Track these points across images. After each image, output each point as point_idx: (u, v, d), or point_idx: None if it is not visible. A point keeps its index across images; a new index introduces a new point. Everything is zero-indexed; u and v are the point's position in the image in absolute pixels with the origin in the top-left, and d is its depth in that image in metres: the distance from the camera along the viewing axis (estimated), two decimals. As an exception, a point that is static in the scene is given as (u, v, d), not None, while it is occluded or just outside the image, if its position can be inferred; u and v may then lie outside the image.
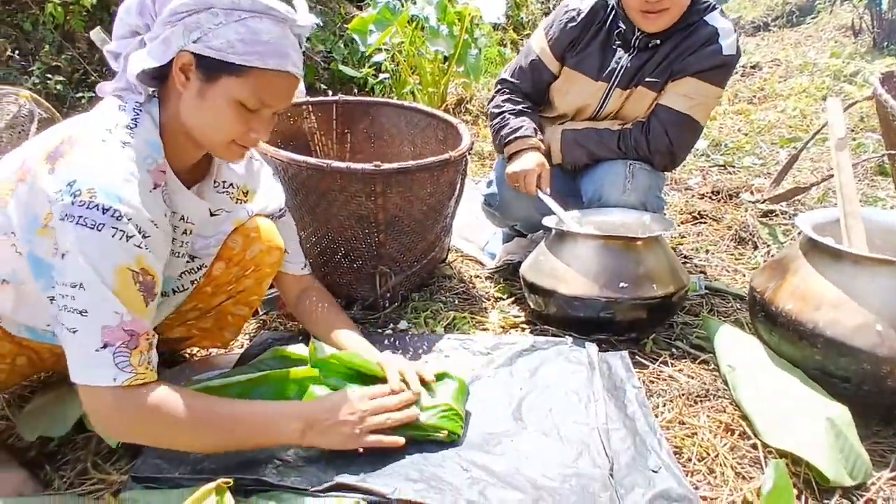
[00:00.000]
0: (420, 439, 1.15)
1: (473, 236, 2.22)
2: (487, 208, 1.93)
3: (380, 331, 1.59)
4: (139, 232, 0.91)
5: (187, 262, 1.16)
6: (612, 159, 1.74)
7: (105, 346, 0.88)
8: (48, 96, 2.81)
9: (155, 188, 0.97)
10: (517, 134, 1.74)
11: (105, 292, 0.88)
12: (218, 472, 1.07)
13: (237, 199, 1.21)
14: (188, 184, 1.08)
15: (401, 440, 1.10)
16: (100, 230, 0.86)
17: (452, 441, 1.16)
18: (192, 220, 1.10)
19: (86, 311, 0.88)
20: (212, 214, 1.16)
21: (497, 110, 1.83)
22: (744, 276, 1.95)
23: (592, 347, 1.44)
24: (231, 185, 1.19)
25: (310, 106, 1.98)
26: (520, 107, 1.81)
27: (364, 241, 1.60)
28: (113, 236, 0.87)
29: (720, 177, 2.80)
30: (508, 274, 1.94)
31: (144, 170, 0.95)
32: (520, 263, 1.95)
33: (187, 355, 1.54)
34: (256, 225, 1.24)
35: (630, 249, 1.49)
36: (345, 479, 1.05)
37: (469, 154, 1.71)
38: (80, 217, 0.86)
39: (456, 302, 1.75)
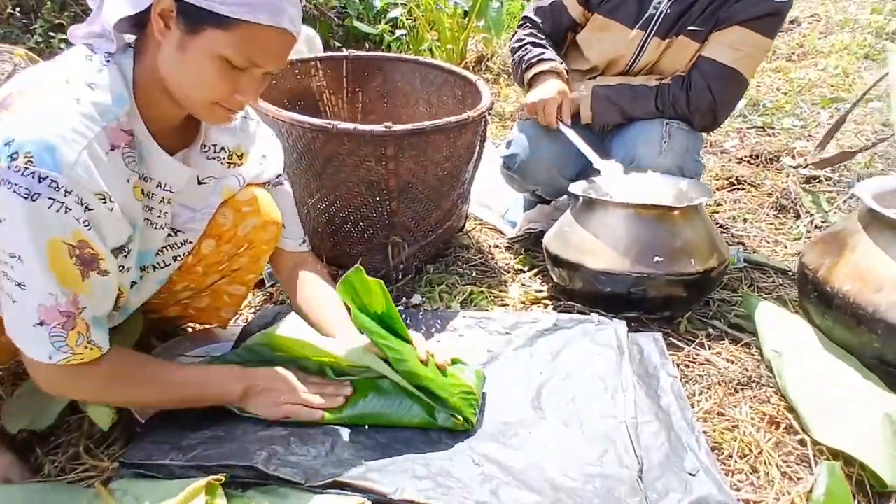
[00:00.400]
0: (431, 427, 1.05)
1: (493, 203, 2.07)
2: (506, 171, 1.78)
3: (391, 305, 1.47)
4: (80, 204, 0.81)
5: (169, 235, 1.04)
6: (647, 118, 1.57)
7: (41, 324, 0.84)
8: (51, 56, 2.68)
9: (113, 150, 0.85)
10: (540, 57, 1.61)
11: (40, 269, 0.81)
12: (211, 458, 0.98)
13: (229, 163, 1.08)
14: (172, 148, 0.96)
15: (317, 414, 1.04)
16: (34, 200, 0.77)
17: (465, 430, 1.05)
18: (171, 188, 0.98)
19: (23, 285, 0.82)
20: (200, 182, 1.03)
21: (518, 44, 1.70)
22: (785, 247, 1.78)
23: (622, 327, 1.30)
24: (222, 148, 1.06)
25: (318, 62, 1.83)
26: (542, 41, 1.67)
27: (375, 209, 1.47)
28: (49, 207, 0.78)
29: (759, 139, 2.59)
30: (530, 244, 1.79)
31: (99, 128, 0.83)
32: (542, 233, 1.81)
33: (190, 328, 1.44)
34: (250, 197, 1.11)
35: (665, 220, 1.34)
36: (345, 475, 0.95)
37: (489, 114, 1.55)
38: (15, 184, 0.76)
39: (473, 274, 1.62)
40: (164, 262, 1.06)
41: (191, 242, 1.08)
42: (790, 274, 1.61)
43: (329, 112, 1.88)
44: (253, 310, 1.51)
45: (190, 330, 1.45)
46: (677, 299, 1.34)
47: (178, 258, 1.08)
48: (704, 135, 1.74)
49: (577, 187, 1.48)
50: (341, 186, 1.44)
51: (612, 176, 1.50)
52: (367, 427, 1.06)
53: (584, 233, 1.39)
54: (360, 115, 1.91)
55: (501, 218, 2.01)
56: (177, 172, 0.96)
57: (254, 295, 1.57)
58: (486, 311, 1.45)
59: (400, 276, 1.57)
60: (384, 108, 1.91)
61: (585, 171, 1.74)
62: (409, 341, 1.08)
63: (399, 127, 1.33)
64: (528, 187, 1.83)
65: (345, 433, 1.05)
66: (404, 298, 1.49)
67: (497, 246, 1.82)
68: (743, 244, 1.79)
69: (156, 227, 0.99)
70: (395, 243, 1.52)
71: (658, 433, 1.04)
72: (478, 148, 1.59)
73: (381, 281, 1.04)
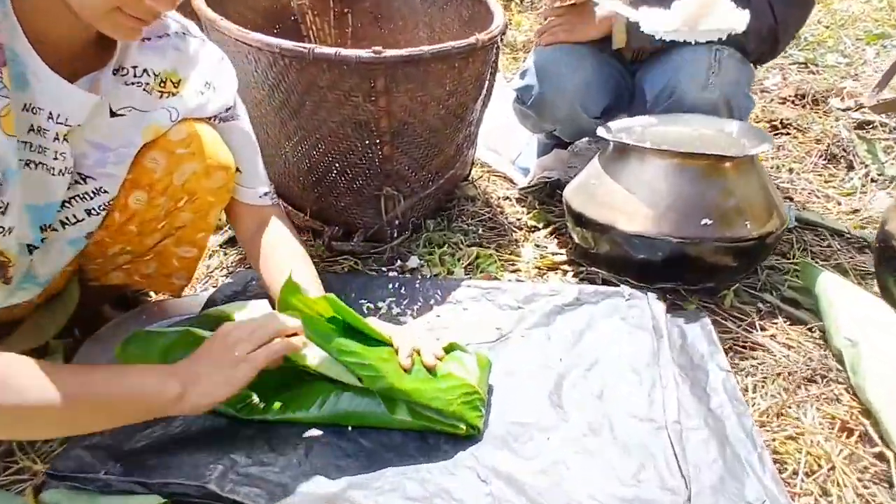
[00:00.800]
0: (428, 430, 0.84)
1: (502, 147, 1.80)
2: (520, 107, 1.49)
3: (384, 269, 1.23)
4: None
5: (76, 183, 0.80)
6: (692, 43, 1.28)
7: None
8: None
9: None
10: None
11: None
12: (154, 472, 0.78)
13: (161, 92, 0.82)
14: (75, 72, 0.70)
15: (297, 345, 0.79)
16: None
17: (471, 436, 0.84)
18: (68, 121, 0.73)
19: None
20: (113, 114, 0.78)
21: None
22: (838, 203, 1.52)
23: (658, 304, 1.06)
24: (146, 71, 0.79)
25: (299, -24, 1.51)
26: None
27: (364, 154, 1.21)
28: None
29: (803, 76, 2.27)
30: (545, 195, 1.54)
31: None
32: (558, 182, 1.55)
33: (153, 295, 1.22)
34: (187, 135, 0.85)
35: (717, 173, 1.07)
36: (320, 493, 0.75)
37: (501, 40, 1.26)
38: None
39: (480, 232, 1.38)
40: (73, 217, 0.82)
41: (106, 192, 0.83)
42: (847, 236, 1.36)
43: (313, 38, 1.58)
44: (225, 272, 1.28)
45: (153, 297, 1.23)
46: (725, 269, 1.09)
47: (94, 212, 0.83)
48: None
49: (608, 130, 1.21)
50: (323, 127, 1.17)
51: (653, 16, 1.17)
52: (350, 428, 0.85)
53: (615, 186, 1.13)
54: (350, 42, 1.61)
55: (512, 164, 1.75)
56: (75, 101, 0.71)
57: (226, 254, 1.33)
58: (495, 278, 1.21)
59: (395, 234, 1.32)
60: (378, 34, 1.61)
61: (614, 107, 1.47)
62: (386, 342, 0.85)
63: (391, 52, 1.05)
64: (544, 126, 1.55)
65: (323, 436, 0.84)
66: (399, 262, 1.25)
67: (507, 198, 1.56)
68: (791, 199, 1.53)
69: (53, 173, 0.74)
70: (389, 195, 1.26)
71: (708, 444, 0.82)
72: (487, 81, 1.31)
73: (331, 295, 0.80)
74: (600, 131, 1.20)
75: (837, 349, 0.97)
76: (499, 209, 1.49)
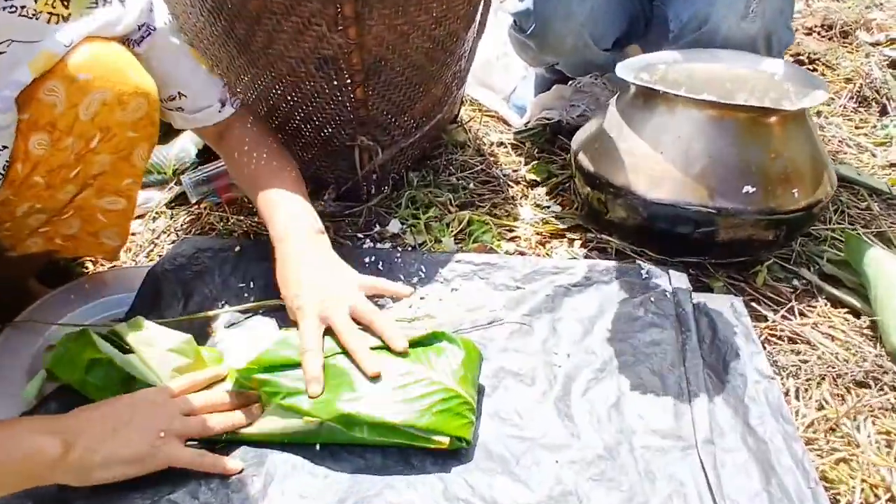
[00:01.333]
0: (411, 445, 0.67)
1: (496, 81, 1.55)
2: (518, 35, 1.24)
3: (360, 236, 1.02)
4: None
5: None
6: None
7: None
8: None
9: None
10: None
11: None
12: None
13: (48, 13, 0.62)
14: None
15: (236, 467, 0.64)
16: None
17: (457, 450, 0.67)
18: None
19: None
20: None
21: None
22: (873, 155, 1.32)
23: (682, 286, 0.88)
24: None
25: None
26: None
27: (332, 97, 0.97)
28: None
29: (827, 3, 1.99)
30: (544, 141, 1.32)
31: None
32: (559, 124, 1.33)
33: (90, 265, 1.01)
34: (89, 56, 0.65)
35: (762, 130, 0.86)
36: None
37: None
38: None
39: (471, 187, 1.16)
40: None
41: (5, 147, 0.64)
42: (886, 196, 1.17)
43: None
44: (172, 237, 1.07)
45: (91, 267, 1.02)
46: (762, 243, 0.90)
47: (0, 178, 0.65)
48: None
49: (628, 69, 0.97)
50: (279, 63, 0.92)
51: None
52: (317, 447, 0.68)
53: (637, 142, 0.91)
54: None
55: (506, 102, 1.51)
56: None
57: (174, 216, 1.11)
58: (491, 248, 1.01)
59: (372, 191, 1.10)
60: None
61: (626, 38, 1.23)
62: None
63: (362, -33, 0.80)
64: (546, 59, 1.31)
65: (285, 461, 0.67)
66: (378, 226, 1.04)
67: (501, 143, 1.33)
68: (821, 149, 1.32)
69: None
70: (365, 146, 1.04)
71: (748, 471, 0.66)
72: (482, 7, 1.05)
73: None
74: (621, 71, 0.97)
75: (893, 345, 0.80)
76: (492, 158, 1.27)
